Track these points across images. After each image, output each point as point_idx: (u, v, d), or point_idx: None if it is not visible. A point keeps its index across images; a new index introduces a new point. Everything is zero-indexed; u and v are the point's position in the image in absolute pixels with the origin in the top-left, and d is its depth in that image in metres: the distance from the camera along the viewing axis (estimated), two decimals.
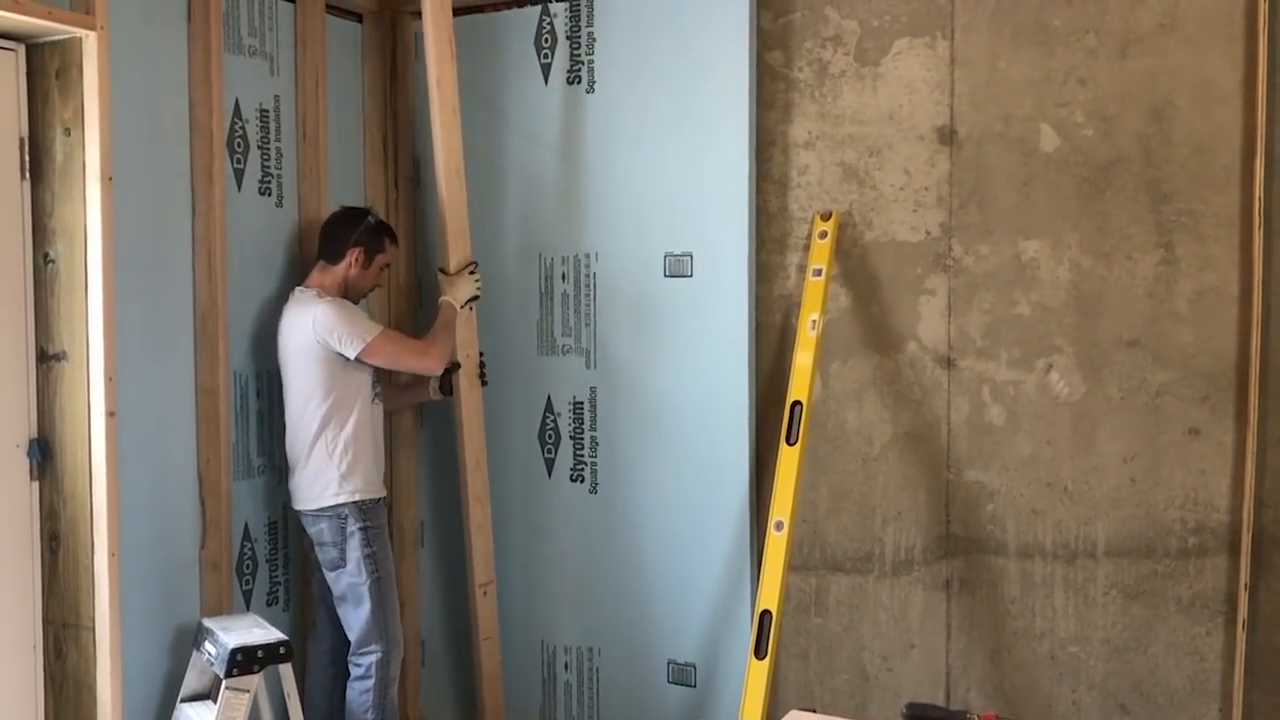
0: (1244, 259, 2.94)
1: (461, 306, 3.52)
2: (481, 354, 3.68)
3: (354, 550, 3.31)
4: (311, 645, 3.57)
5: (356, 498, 3.32)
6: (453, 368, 3.54)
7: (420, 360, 3.38)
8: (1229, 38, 2.94)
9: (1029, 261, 3.18)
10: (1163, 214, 3.03)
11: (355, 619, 3.35)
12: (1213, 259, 2.98)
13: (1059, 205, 3.14)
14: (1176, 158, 3.01)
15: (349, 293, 3.41)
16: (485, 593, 3.71)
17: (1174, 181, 3.02)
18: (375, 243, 3.43)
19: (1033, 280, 3.18)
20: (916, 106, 3.29)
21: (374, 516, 3.36)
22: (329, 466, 3.31)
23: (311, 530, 3.37)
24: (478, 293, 3.58)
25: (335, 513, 3.32)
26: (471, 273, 3.56)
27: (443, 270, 3.57)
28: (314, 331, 3.26)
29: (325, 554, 3.36)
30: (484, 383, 3.69)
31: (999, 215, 3.21)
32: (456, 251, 3.55)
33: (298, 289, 3.40)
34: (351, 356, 3.27)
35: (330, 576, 3.38)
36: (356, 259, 3.39)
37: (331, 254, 3.40)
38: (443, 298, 3.52)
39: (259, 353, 3.50)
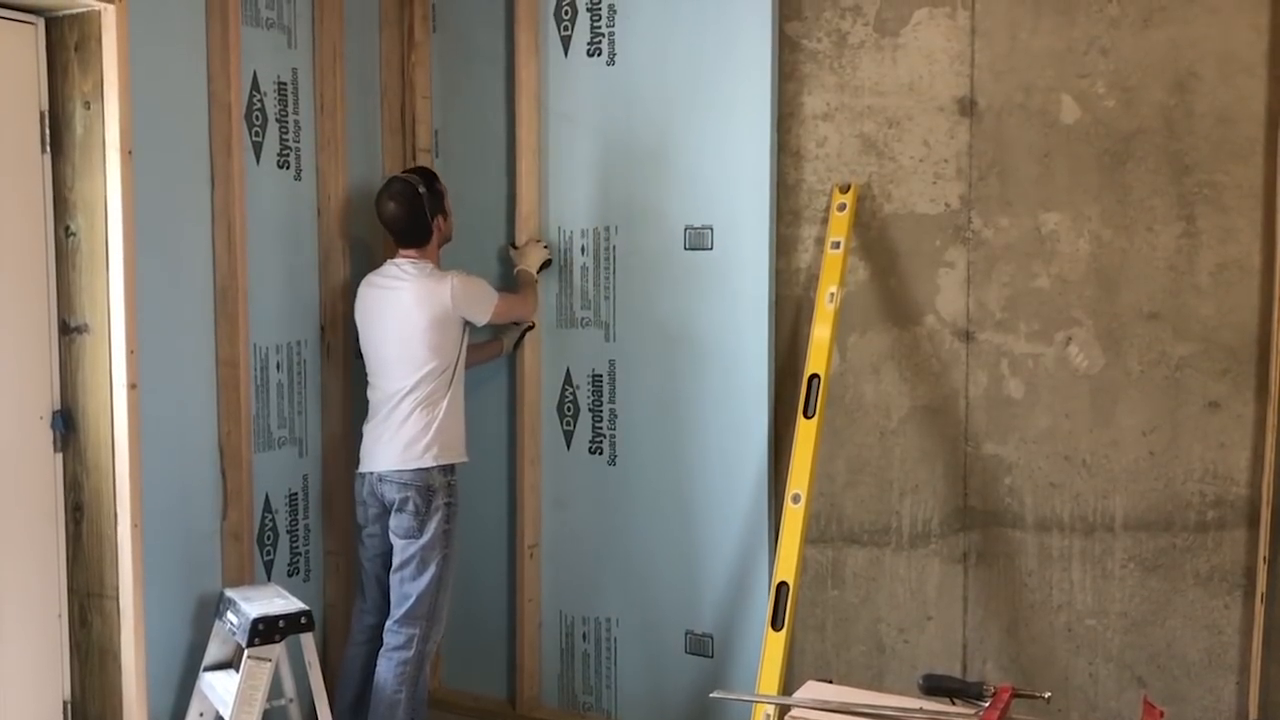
0: (1267, 231, 2.92)
1: (537, 272, 3.73)
2: (532, 325, 3.78)
3: (435, 524, 3.34)
4: (356, 619, 3.58)
5: (454, 459, 3.41)
6: (528, 326, 3.77)
7: (524, 309, 3.66)
8: (1254, 6, 2.90)
9: (1049, 234, 3.16)
10: (1184, 186, 3.00)
11: (413, 588, 3.35)
12: (1235, 231, 2.96)
13: (1080, 177, 3.12)
14: (1199, 129, 2.98)
15: (444, 244, 3.60)
16: (532, 554, 3.83)
17: (1196, 153, 2.99)
18: (441, 198, 3.51)
19: (1052, 253, 3.16)
20: (936, 77, 3.27)
21: (457, 493, 3.42)
22: (429, 429, 3.36)
23: (395, 495, 3.36)
24: (549, 257, 3.75)
25: (426, 481, 3.35)
26: (538, 241, 3.75)
27: (512, 245, 3.76)
28: (453, 305, 3.35)
29: (401, 521, 3.36)
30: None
31: (1019, 187, 3.19)
32: (527, 225, 3.73)
33: (406, 264, 3.43)
34: (481, 323, 3.45)
35: (399, 544, 3.37)
36: (439, 225, 3.50)
37: (421, 239, 3.46)
38: (518, 268, 3.73)
39: (279, 325, 3.52)
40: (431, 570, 3.35)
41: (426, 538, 3.34)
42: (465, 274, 3.45)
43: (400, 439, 3.37)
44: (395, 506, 3.37)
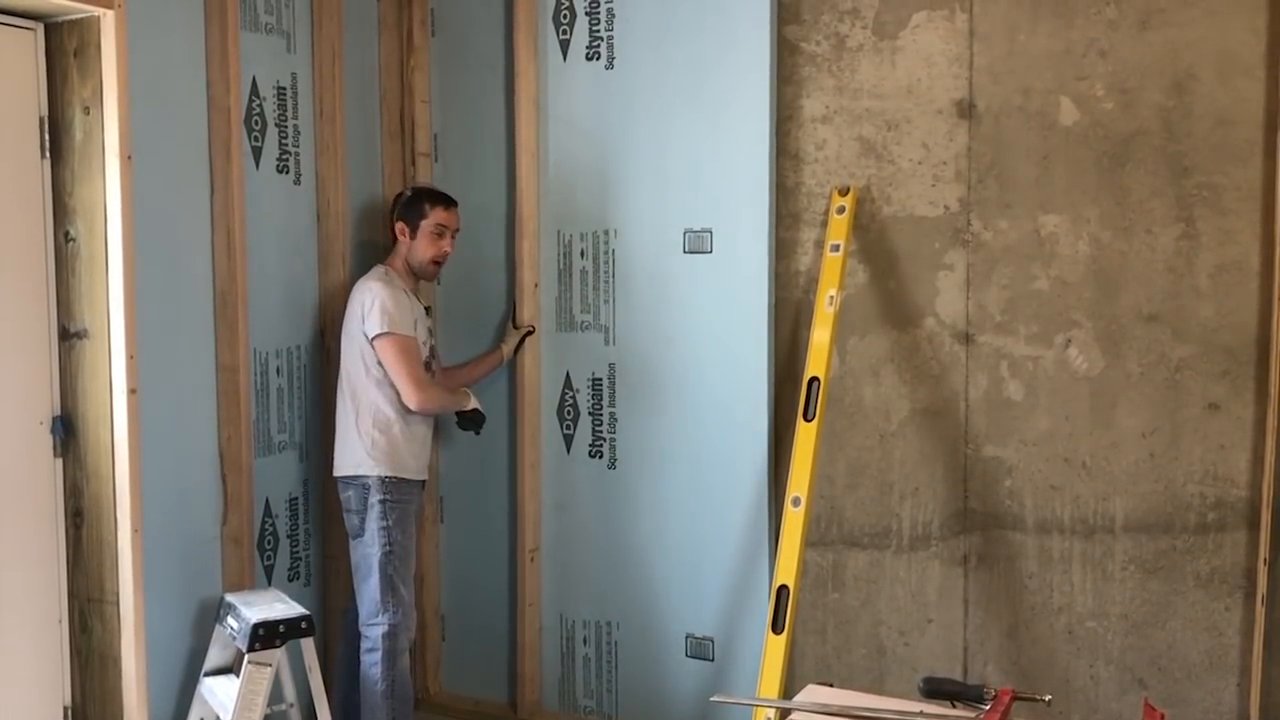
0: (1265, 233, 2.92)
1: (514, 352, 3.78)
2: (532, 329, 3.78)
3: (372, 521, 3.34)
4: (347, 615, 3.60)
5: (378, 473, 3.35)
6: (528, 331, 3.77)
7: (406, 386, 3.32)
8: (1252, 8, 2.90)
9: (1048, 236, 3.16)
10: (1183, 187, 3.01)
11: (364, 589, 3.38)
12: (1234, 233, 2.96)
13: (1078, 179, 3.12)
14: (1198, 131, 2.98)
15: (416, 268, 3.49)
16: (532, 558, 3.82)
17: (1195, 155, 2.99)
18: (412, 211, 3.49)
19: (1052, 255, 3.16)
20: (935, 80, 3.27)
21: (397, 492, 3.38)
22: (359, 438, 3.36)
23: (342, 496, 3.42)
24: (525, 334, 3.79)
25: (360, 482, 3.36)
26: (530, 330, 3.79)
27: (513, 322, 3.81)
28: (360, 307, 3.35)
29: (349, 521, 3.41)
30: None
31: (1018, 189, 3.19)
32: (527, 228, 3.72)
33: (376, 267, 3.50)
34: (370, 334, 3.32)
35: (351, 544, 3.42)
36: (401, 232, 3.48)
37: (390, 237, 3.52)
38: (501, 344, 3.79)
39: (279, 330, 3.52)
40: (375, 571, 3.34)
41: (366, 536, 3.36)
42: (392, 290, 3.35)
43: (339, 442, 3.43)
44: (344, 506, 3.43)
